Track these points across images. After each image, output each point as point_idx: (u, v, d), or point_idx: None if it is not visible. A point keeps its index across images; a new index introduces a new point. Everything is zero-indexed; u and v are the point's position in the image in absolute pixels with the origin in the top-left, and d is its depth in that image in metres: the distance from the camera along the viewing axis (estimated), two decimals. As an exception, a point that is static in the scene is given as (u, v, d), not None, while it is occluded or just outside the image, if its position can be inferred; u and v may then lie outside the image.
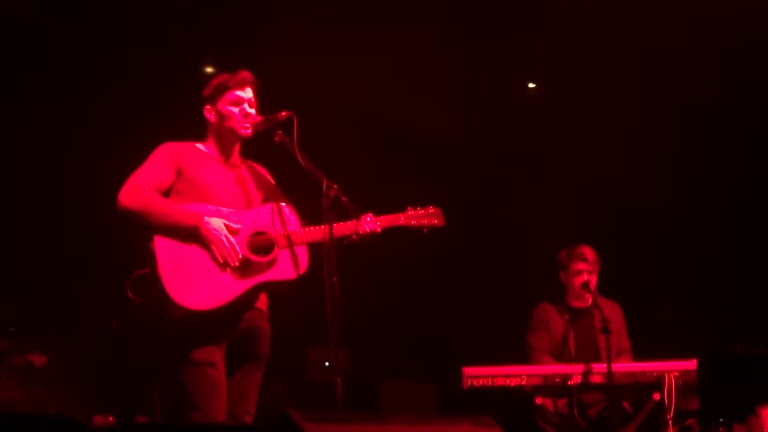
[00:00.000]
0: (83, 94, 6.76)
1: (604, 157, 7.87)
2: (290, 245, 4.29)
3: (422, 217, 4.55)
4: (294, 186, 4.48)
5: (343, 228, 4.34)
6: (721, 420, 5.54)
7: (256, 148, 4.56)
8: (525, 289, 7.15)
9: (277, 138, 4.32)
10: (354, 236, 4.37)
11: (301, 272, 4.31)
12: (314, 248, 4.35)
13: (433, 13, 7.36)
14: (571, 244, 6.26)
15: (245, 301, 4.24)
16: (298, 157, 4.24)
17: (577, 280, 6.11)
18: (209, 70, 7.36)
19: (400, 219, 4.51)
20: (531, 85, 8.29)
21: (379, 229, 4.41)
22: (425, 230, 4.56)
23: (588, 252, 6.16)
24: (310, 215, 4.39)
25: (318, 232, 4.30)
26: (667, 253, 7.91)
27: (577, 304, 6.23)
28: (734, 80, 7.40)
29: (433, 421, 3.87)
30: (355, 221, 4.36)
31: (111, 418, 6.03)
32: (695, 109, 7.63)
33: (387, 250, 4.73)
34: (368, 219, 4.39)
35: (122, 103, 6.85)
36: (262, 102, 4.51)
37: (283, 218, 4.34)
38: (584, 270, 6.11)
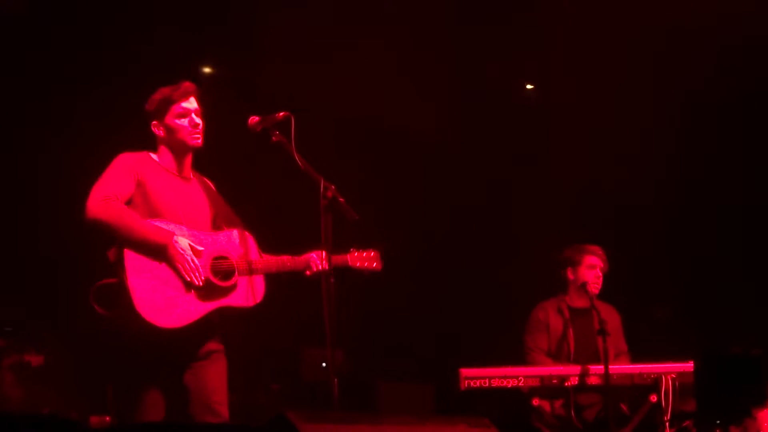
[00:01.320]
0: (79, 94, 6.74)
1: (602, 157, 7.86)
2: (249, 273, 4.33)
3: (364, 260, 4.64)
4: (291, 186, 4.47)
5: (297, 262, 4.44)
6: (717, 422, 5.53)
7: (254, 148, 4.55)
8: (522, 289, 7.14)
9: (274, 138, 4.31)
10: (307, 272, 4.45)
11: (257, 301, 4.34)
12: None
13: (429, 13, 7.34)
14: (575, 243, 6.27)
15: (206, 323, 4.25)
16: (296, 157, 4.24)
17: (591, 274, 6.10)
18: (207, 70, 7.36)
19: (347, 259, 4.60)
20: (529, 87, 8.29)
21: (328, 267, 4.39)
22: (366, 273, 4.65)
23: (600, 249, 6.19)
24: (306, 216, 4.38)
25: (275, 264, 4.39)
26: (665, 253, 7.90)
27: (578, 303, 6.22)
28: (734, 80, 7.40)
29: (430, 422, 3.87)
30: (306, 257, 4.44)
31: (107, 419, 6.02)
32: (695, 109, 7.63)
33: (384, 249, 4.72)
34: (322, 256, 4.43)
35: (119, 103, 6.83)
36: (258, 102, 4.50)
37: (244, 244, 4.38)
38: (597, 265, 6.13)
